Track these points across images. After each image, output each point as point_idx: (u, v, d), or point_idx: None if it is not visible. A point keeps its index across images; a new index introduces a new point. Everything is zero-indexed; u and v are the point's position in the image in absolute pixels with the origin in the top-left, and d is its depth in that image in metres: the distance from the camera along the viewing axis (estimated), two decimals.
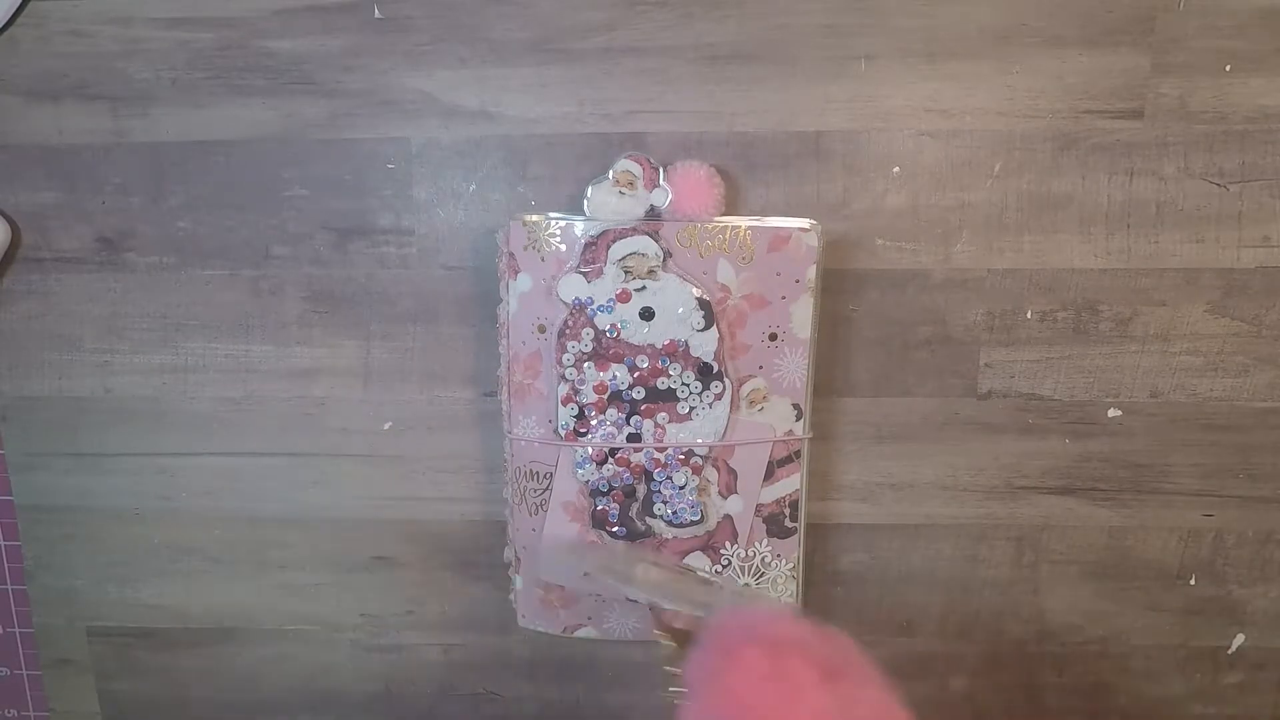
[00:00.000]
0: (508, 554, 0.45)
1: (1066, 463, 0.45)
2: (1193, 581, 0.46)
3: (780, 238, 0.40)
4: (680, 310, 0.40)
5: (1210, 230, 0.42)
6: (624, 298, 0.40)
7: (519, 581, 0.45)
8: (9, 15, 0.42)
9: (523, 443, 0.43)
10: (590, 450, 0.42)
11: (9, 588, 0.49)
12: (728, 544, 0.43)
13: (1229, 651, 0.47)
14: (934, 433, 0.45)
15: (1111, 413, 0.44)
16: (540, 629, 0.45)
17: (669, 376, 0.41)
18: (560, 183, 0.43)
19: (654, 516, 0.43)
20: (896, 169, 0.42)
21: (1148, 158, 0.42)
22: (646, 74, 0.42)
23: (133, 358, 0.46)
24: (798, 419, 0.42)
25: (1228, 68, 0.41)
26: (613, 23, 0.41)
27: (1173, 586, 0.46)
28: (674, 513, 0.43)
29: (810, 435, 0.43)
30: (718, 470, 0.42)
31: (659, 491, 0.42)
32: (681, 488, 0.42)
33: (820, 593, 0.46)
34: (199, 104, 0.43)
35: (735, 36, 0.41)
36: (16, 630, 0.50)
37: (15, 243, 0.45)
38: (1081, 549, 0.46)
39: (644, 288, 0.40)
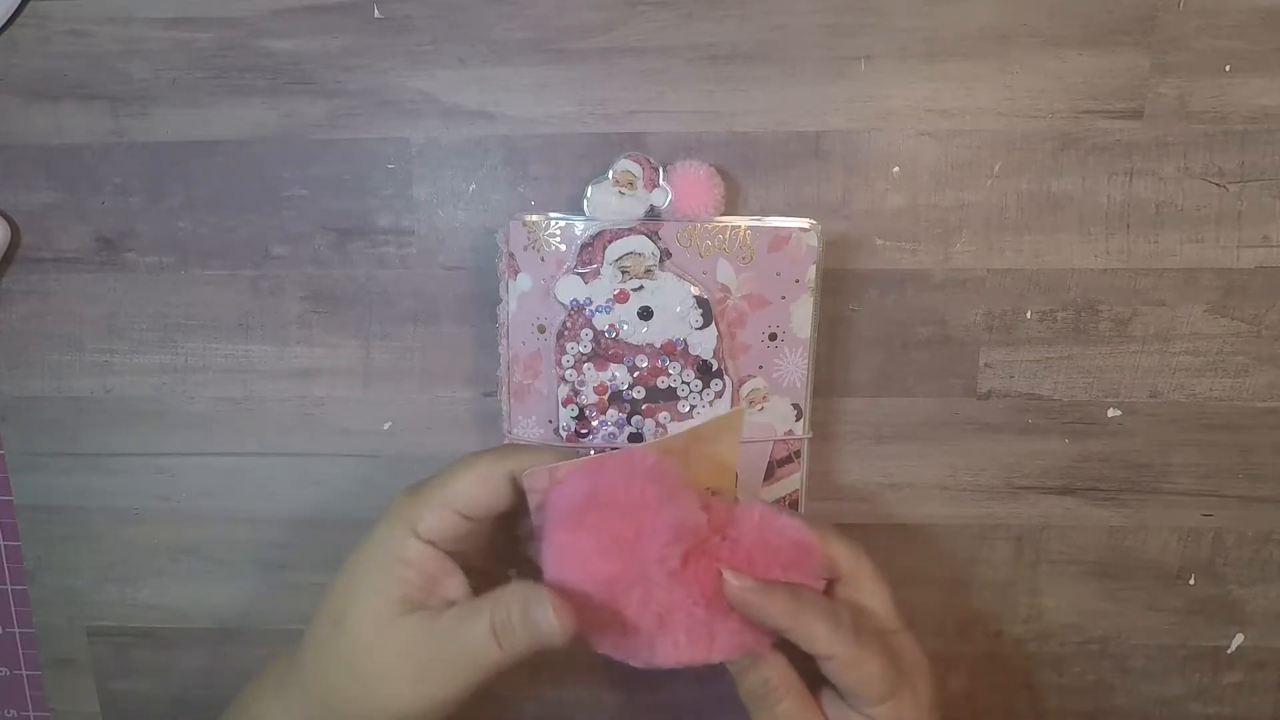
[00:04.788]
0: None
1: (1066, 463, 0.45)
2: (1192, 581, 0.46)
3: (780, 238, 0.40)
4: (678, 309, 0.40)
5: (1210, 230, 0.42)
6: (622, 298, 0.40)
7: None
8: (9, 15, 0.42)
9: (523, 443, 0.43)
10: (592, 451, 0.42)
11: (9, 588, 0.49)
12: None
13: (1229, 651, 0.47)
14: (934, 433, 0.45)
15: (1111, 413, 0.44)
16: None
17: (669, 375, 0.41)
18: (560, 183, 0.43)
19: None
20: (896, 169, 0.42)
21: (1148, 158, 0.42)
22: (646, 74, 0.42)
23: (133, 358, 0.46)
24: (798, 419, 0.42)
25: (1228, 68, 0.41)
26: (613, 23, 0.41)
27: (1172, 586, 0.46)
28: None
29: (810, 435, 0.43)
30: None
31: None
32: None
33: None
34: (199, 104, 0.43)
35: (735, 36, 0.41)
36: (16, 630, 0.50)
37: (15, 243, 0.45)
38: (1081, 549, 0.46)
39: (641, 287, 0.40)
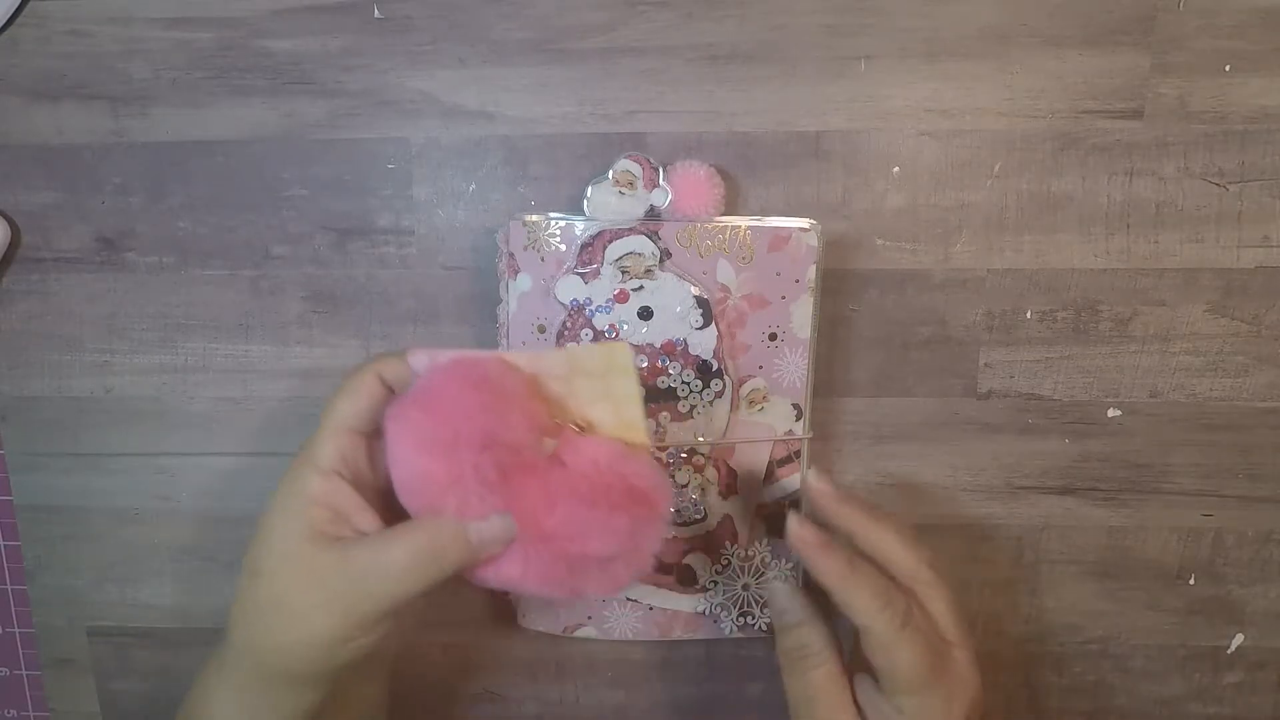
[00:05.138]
0: None
1: (1066, 463, 0.45)
2: (1192, 581, 0.46)
3: (780, 238, 0.40)
4: (678, 309, 0.40)
5: (1210, 230, 0.42)
6: (622, 298, 0.40)
7: None
8: (9, 15, 0.42)
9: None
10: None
11: (9, 588, 0.49)
12: (727, 543, 0.43)
13: (1229, 651, 0.47)
14: (934, 433, 0.45)
15: (1111, 413, 0.44)
16: (540, 629, 0.45)
17: (669, 375, 0.41)
18: (560, 183, 0.43)
19: None
20: (896, 169, 0.42)
21: (1148, 158, 0.42)
22: (646, 74, 0.42)
23: (133, 358, 0.46)
24: (798, 419, 0.42)
25: (1228, 68, 0.41)
26: (613, 23, 0.41)
27: (1172, 586, 0.46)
28: (677, 511, 0.43)
29: (810, 435, 0.43)
30: (718, 470, 0.42)
31: None
32: (684, 486, 0.42)
33: (820, 593, 0.46)
34: (199, 104, 0.43)
35: (735, 36, 0.41)
36: (16, 630, 0.50)
37: (15, 243, 0.45)
38: (1081, 549, 0.46)
39: (641, 287, 0.40)
